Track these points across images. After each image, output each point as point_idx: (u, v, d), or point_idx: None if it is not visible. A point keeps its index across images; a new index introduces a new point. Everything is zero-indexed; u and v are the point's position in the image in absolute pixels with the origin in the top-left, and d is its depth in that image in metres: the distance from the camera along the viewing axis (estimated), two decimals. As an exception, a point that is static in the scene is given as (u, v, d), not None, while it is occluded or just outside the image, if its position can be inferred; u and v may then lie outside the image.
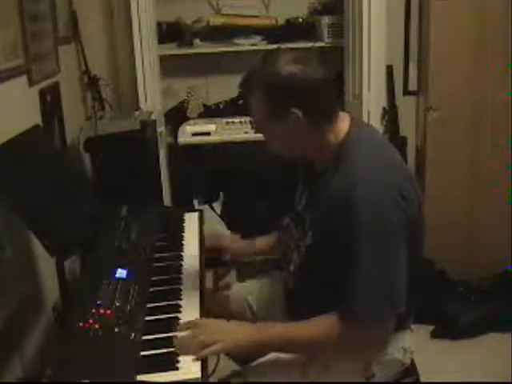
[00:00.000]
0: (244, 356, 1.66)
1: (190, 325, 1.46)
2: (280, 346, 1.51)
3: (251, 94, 1.49)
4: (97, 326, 1.42)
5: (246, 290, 1.97)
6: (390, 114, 3.13)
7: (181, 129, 3.25)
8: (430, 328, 2.85)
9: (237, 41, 3.42)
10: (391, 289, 1.39)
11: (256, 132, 1.59)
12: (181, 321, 1.50)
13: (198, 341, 1.39)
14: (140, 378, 1.30)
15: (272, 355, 1.60)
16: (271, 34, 3.42)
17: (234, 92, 3.53)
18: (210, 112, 3.54)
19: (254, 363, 1.64)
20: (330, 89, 1.52)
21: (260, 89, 1.46)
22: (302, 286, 1.62)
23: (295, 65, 1.44)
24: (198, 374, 1.32)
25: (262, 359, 1.62)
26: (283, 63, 1.45)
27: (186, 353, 1.36)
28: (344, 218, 1.40)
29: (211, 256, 1.92)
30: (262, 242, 1.99)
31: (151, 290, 1.66)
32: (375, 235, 1.38)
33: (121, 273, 1.66)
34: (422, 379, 1.76)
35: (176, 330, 1.46)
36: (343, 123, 1.53)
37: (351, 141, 1.50)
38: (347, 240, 1.40)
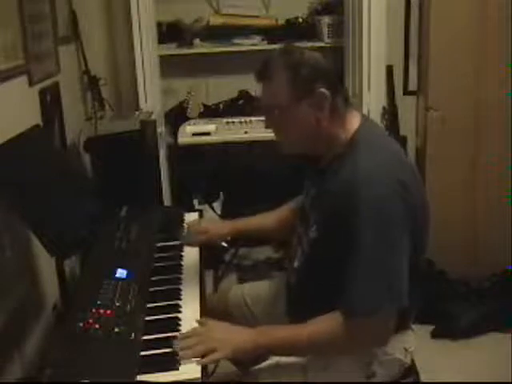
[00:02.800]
0: (246, 360, 1.65)
1: (190, 333, 1.45)
2: (283, 350, 1.50)
3: (274, 78, 1.50)
4: (97, 326, 1.42)
5: (245, 291, 1.96)
6: (390, 114, 3.13)
7: (181, 129, 3.25)
8: (430, 328, 2.85)
9: (237, 41, 3.42)
10: (394, 283, 1.39)
11: (268, 125, 1.58)
12: (180, 322, 1.51)
13: (200, 349, 1.38)
14: (140, 378, 1.30)
15: (273, 358, 1.60)
16: (271, 33, 3.42)
17: (234, 92, 3.53)
18: (210, 112, 3.54)
19: (255, 367, 1.64)
20: (342, 81, 1.56)
21: (286, 70, 1.48)
22: (305, 283, 1.62)
23: (317, 53, 1.52)
24: (198, 374, 1.32)
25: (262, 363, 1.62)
26: (303, 50, 1.52)
27: (188, 358, 1.36)
28: (347, 211, 1.41)
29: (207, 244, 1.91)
30: (249, 222, 1.97)
31: (151, 289, 1.66)
32: (378, 231, 1.38)
33: (121, 273, 1.66)
34: (422, 379, 1.76)
35: (176, 330, 1.46)
36: (354, 121, 1.55)
37: (359, 138, 1.51)
38: (350, 234, 1.40)
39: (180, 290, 1.67)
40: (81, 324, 1.43)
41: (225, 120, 3.32)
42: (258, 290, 1.97)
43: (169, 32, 3.47)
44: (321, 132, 1.52)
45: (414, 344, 1.63)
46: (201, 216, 2.22)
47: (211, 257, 2.96)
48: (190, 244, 1.89)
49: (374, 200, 1.38)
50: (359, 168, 1.43)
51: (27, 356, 1.95)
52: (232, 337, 1.47)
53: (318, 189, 1.61)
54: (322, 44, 3.36)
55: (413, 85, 3.23)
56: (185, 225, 2.04)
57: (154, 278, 1.72)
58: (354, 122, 1.55)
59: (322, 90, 1.47)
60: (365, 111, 2.93)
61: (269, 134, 1.66)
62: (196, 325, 1.49)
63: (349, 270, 1.41)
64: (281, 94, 1.49)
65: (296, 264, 1.66)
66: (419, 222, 1.47)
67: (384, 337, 1.46)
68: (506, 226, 3.02)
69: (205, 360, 1.37)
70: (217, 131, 3.21)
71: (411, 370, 1.68)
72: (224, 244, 1.93)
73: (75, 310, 1.50)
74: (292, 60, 1.49)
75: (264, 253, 3.48)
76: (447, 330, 2.82)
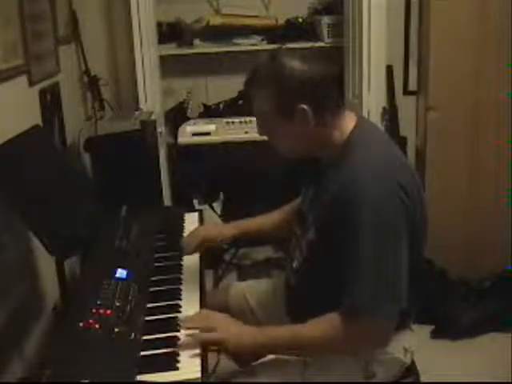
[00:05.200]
0: (245, 357, 1.66)
1: (196, 316, 1.50)
2: (283, 349, 1.51)
3: (258, 91, 1.50)
4: (97, 326, 1.42)
5: (245, 290, 1.96)
6: (390, 114, 3.13)
7: (181, 129, 3.25)
8: (430, 328, 2.85)
9: (237, 41, 3.42)
10: (393, 284, 1.39)
11: (261, 133, 1.59)
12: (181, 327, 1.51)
13: (201, 324, 1.44)
14: (140, 378, 1.30)
15: (272, 355, 1.60)
16: (271, 34, 3.42)
17: (233, 92, 3.53)
18: (210, 112, 3.54)
19: (255, 364, 1.64)
20: (335, 85, 1.55)
21: (267, 85, 1.47)
22: (304, 284, 1.62)
23: (301, 62, 1.47)
24: (198, 374, 1.32)
25: (261, 360, 1.62)
26: (289, 60, 1.47)
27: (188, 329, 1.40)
28: (345, 213, 1.40)
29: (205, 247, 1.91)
30: (249, 223, 1.97)
31: (151, 289, 1.66)
32: (376, 232, 1.38)
33: (121, 273, 1.66)
34: (422, 379, 1.76)
35: (176, 330, 1.46)
36: (349, 122, 1.54)
37: (356, 139, 1.51)
38: (348, 235, 1.40)
39: (180, 289, 1.67)
40: (81, 324, 1.42)
41: (225, 120, 3.32)
42: (258, 287, 1.97)
43: (169, 32, 3.47)
44: (311, 139, 1.52)
45: (414, 344, 1.63)
46: (201, 216, 2.21)
47: (211, 257, 2.97)
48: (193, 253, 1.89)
49: (371, 201, 1.38)
50: (356, 170, 1.43)
51: (27, 356, 1.95)
52: (232, 328, 1.49)
53: (316, 190, 1.61)
54: (322, 44, 3.36)
55: (413, 85, 3.23)
56: (184, 236, 1.97)
57: (153, 278, 1.72)
58: (349, 123, 1.54)
59: (302, 106, 1.45)
60: (365, 112, 2.94)
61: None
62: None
63: (347, 271, 1.40)
64: (265, 110, 1.50)
65: (295, 265, 1.66)
66: (417, 223, 1.47)
67: (384, 337, 1.46)
68: (506, 226, 3.02)
69: (203, 336, 1.41)
70: (217, 131, 3.21)
71: (411, 370, 1.67)
72: (224, 244, 1.93)
73: (75, 310, 1.50)
74: (275, 75, 1.47)
75: (264, 253, 3.49)
76: (447, 330, 2.82)
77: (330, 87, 1.51)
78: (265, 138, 1.61)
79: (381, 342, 1.47)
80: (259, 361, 1.63)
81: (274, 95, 1.47)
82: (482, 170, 3.06)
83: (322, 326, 1.43)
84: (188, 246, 1.89)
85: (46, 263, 2.04)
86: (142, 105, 2.99)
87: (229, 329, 1.47)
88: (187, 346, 1.39)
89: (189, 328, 1.44)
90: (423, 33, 3.10)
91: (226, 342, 1.45)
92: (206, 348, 1.42)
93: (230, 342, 1.45)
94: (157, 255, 1.87)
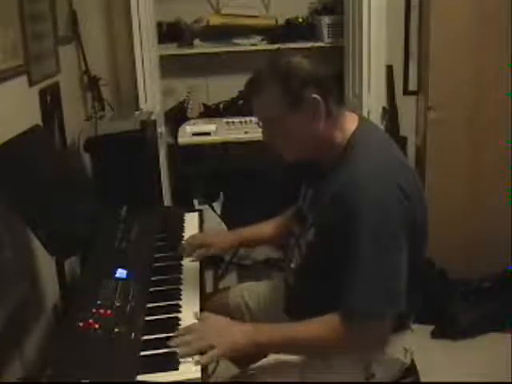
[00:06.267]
0: (243, 358, 1.65)
1: (188, 329, 1.45)
2: (280, 348, 1.50)
3: (264, 90, 1.49)
4: (97, 326, 1.42)
5: (244, 292, 1.96)
6: (390, 114, 3.14)
7: (181, 129, 3.26)
8: (430, 328, 2.85)
9: (237, 41, 3.42)
10: (392, 288, 1.39)
11: (267, 137, 1.57)
12: (180, 322, 1.51)
13: (198, 345, 1.38)
14: (140, 378, 1.30)
15: (271, 357, 1.60)
16: (271, 34, 3.42)
17: (234, 92, 3.53)
18: (210, 112, 3.55)
19: (254, 366, 1.64)
20: (335, 84, 1.56)
21: (276, 81, 1.47)
22: (303, 284, 1.62)
23: (304, 58, 1.49)
24: (198, 374, 1.32)
25: (261, 362, 1.62)
26: (292, 57, 1.49)
27: (186, 355, 1.36)
28: (344, 214, 1.40)
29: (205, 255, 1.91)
30: (249, 232, 1.97)
31: (151, 289, 1.66)
32: (376, 234, 1.38)
33: (121, 273, 1.66)
34: (422, 379, 1.76)
35: (176, 330, 1.46)
36: (351, 123, 1.55)
37: (357, 141, 1.51)
38: (348, 238, 1.40)
39: (180, 289, 1.67)
40: (81, 324, 1.42)
41: (225, 120, 3.33)
42: (257, 290, 1.97)
43: (169, 32, 3.47)
44: (319, 137, 1.51)
45: (413, 344, 1.63)
46: (201, 216, 2.21)
47: (211, 257, 2.96)
48: (191, 256, 1.88)
49: (370, 203, 1.38)
50: (357, 171, 1.43)
51: (27, 356, 1.95)
52: (230, 334, 1.46)
53: (316, 191, 1.61)
54: (321, 44, 3.36)
55: (413, 85, 3.24)
56: (184, 240, 1.97)
57: (153, 278, 1.72)
58: (351, 124, 1.54)
59: (314, 96, 1.46)
60: (365, 112, 2.94)
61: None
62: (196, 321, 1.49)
63: (346, 272, 1.40)
64: (273, 107, 1.49)
65: (293, 265, 1.67)
66: (418, 224, 1.47)
67: (382, 340, 1.46)
68: (506, 226, 3.02)
69: (203, 359, 1.36)
70: (217, 131, 3.21)
71: (411, 370, 1.67)
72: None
73: (75, 310, 1.50)
74: (279, 71, 1.47)
75: (263, 253, 3.49)
76: (447, 329, 2.82)
77: (333, 81, 1.52)
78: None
79: (379, 344, 1.47)
80: (258, 362, 1.63)
81: (283, 90, 1.46)
82: (482, 170, 3.07)
83: (320, 327, 1.43)
84: (187, 247, 1.89)
85: (45, 263, 2.04)
86: (142, 105, 2.99)
87: (223, 338, 1.43)
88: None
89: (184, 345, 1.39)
90: (423, 33, 3.10)
91: (223, 355, 1.43)
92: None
93: (225, 353, 1.43)
94: (157, 255, 1.87)
